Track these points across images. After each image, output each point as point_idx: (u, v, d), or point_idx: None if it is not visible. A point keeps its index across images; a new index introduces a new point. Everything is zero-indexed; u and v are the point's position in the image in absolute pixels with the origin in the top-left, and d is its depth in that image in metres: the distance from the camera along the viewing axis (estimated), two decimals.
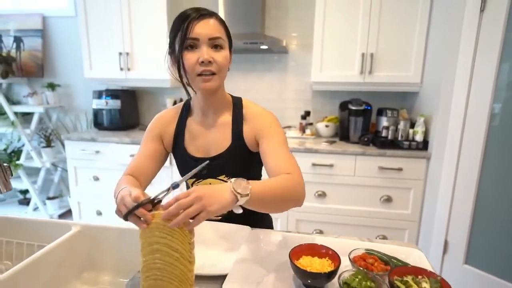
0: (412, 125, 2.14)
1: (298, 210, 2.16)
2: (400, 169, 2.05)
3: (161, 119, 1.01)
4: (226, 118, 0.95)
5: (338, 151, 2.10)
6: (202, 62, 0.81)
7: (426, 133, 2.08)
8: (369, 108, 2.27)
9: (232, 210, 0.94)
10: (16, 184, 2.91)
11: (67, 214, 2.88)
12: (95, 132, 2.59)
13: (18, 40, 2.85)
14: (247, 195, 0.65)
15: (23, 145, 2.98)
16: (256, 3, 2.31)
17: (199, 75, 0.83)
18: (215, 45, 0.83)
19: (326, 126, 2.41)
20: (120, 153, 2.35)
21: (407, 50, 2.15)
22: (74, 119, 3.00)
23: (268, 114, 0.94)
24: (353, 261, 0.72)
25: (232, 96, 0.99)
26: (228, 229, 0.91)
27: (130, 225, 0.72)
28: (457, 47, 1.78)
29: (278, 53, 2.59)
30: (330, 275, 0.66)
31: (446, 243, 1.94)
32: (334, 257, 0.71)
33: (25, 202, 3.09)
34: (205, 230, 0.88)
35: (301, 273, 0.67)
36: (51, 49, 2.90)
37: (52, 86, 2.84)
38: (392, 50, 2.17)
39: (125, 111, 2.65)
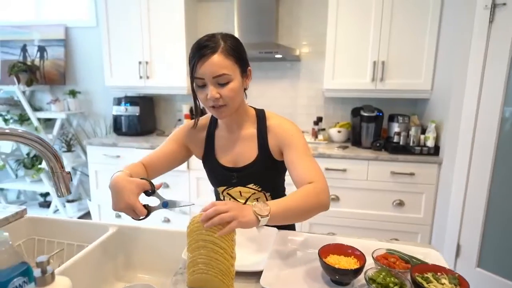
0: (423, 131, 2.20)
1: None
2: (412, 174, 2.11)
3: (191, 128, 1.08)
4: (251, 131, 1.02)
5: (351, 156, 2.17)
6: (209, 99, 0.88)
7: (437, 139, 2.14)
8: (380, 114, 2.33)
9: None
10: (37, 187, 3.03)
11: (86, 216, 2.99)
12: (115, 137, 2.69)
13: (41, 50, 2.98)
14: (267, 216, 0.74)
15: None
16: (270, 14, 2.40)
17: (211, 107, 0.91)
18: (221, 81, 0.87)
19: (339, 131, 2.48)
20: (139, 158, 2.44)
21: (417, 58, 2.22)
22: (94, 125, 3.11)
23: (290, 124, 1.01)
24: (376, 259, 0.79)
25: (255, 109, 1.06)
26: (256, 231, 0.98)
27: (165, 226, 0.82)
28: (467, 56, 1.84)
29: (291, 61, 2.67)
30: (357, 271, 0.73)
31: (458, 247, 1.98)
32: (360, 256, 0.78)
33: (45, 205, 3.21)
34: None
35: (330, 269, 0.74)
36: (73, 58, 3.03)
37: (73, 93, 2.96)
38: (403, 58, 2.23)
39: (143, 117, 2.76)
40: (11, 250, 0.58)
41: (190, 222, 0.72)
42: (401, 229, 2.19)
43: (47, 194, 3.24)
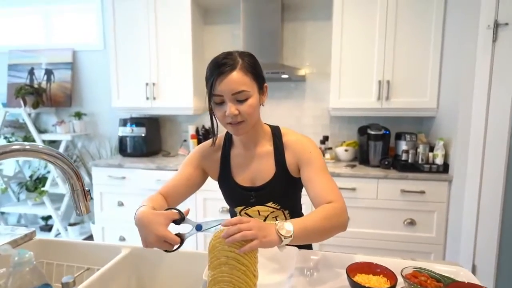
0: (431, 149, 2.19)
1: None
2: (422, 192, 2.08)
3: (205, 151, 1.07)
4: (267, 148, 1.01)
5: (360, 175, 2.15)
6: (228, 116, 0.88)
7: (445, 156, 2.13)
8: (387, 132, 2.34)
9: None
10: (40, 211, 2.98)
11: (88, 240, 2.91)
12: (120, 159, 2.68)
13: (49, 73, 3.03)
14: (290, 236, 0.72)
15: (48, 172, 3.07)
16: (275, 36, 2.46)
17: (228, 123, 0.91)
18: (240, 97, 0.87)
19: (346, 150, 2.48)
20: (145, 179, 2.42)
21: (422, 77, 2.25)
22: (99, 146, 3.10)
23: (307, 140, 1.00)
24: (406, 278, 0.76)
25: (270, 126, 1.05)
26: (276, 250, 0.95)
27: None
28: (473, 73, 1.87)
29: (296, 81, 2.71)
30: None
31: (474, 267, 1.93)
32: (389, 275, 0.75)
33: (47, 228, 3.14)
34: None
35: None
36: (79, 80, 3.07)
37: (78, 115, 2.97)
38: (407, 77, 2.27)
39: (149, 137, 2.76)
40: (35, 271, 0.55)
41: (212, 238, 0.70)
42: (413, 249, 2.14)
43: (48, 217, 3.18)
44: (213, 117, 0.94)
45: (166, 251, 0.79)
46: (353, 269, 0.77)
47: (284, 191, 1.00)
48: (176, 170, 2.38)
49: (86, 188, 0.76)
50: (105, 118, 3.07)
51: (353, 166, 2.31)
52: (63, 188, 2.85)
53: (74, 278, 0.51)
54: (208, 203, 2.34)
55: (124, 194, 2.51)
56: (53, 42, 3.07)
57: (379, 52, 2.28)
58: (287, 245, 0.97)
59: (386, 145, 2.35)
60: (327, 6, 2.54)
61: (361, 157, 2.43)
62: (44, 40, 3.09)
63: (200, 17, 2.73)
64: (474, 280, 0.79)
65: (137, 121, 2.74)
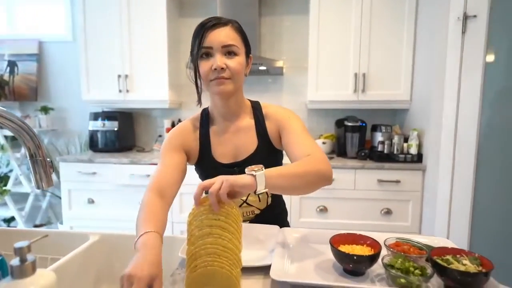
0: (406, 139, 2.24)
1: (302, 226, 2.16)
2: (398, 181, 2.12)
3: (182, 131, 1.00)
4: (248, 121, 0.98)
5: (338, 166, 2.16)
6: (215, 69, 0.84)
7: (419, 146, 2.19)
8: (364, 124, 2.37)
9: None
10: (1, 212, 2.77)
11: None
12: (91, 154, 2.54)
13: (12, 64, 2.84)
14: (261, 169, 0.69)
15: (10, 171, 2.87)
16: (252, 28, 2.44)
17: (213, 79, 0.86)
18: (229, 52, 0.86)
19: (323, 143, 2.49)
20: (118, 174, 2.31)
21: (396, 69, 2.31)
22: (68, 142, 2.94)
23: (286, 109, 1.00)
24: (389, 247, 0.75)
25: (250, 101, 1.03)
26: (258, 229, 0.92)
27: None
28: (444, 65, 1.93)
29: (274, 75, 2.70)
30: (373, 258, 0.68)
31: None
32: (373, 244, 0.73)
33: None
34: None
35: (343, 257, 0.69)
36: (46, 73, 2.90)
37: (45, 110, 2.80)
38: (382, 70, 2.32)
39: (121, 132, 2.64)
40: None
41: (192, 209, 0.65)
42: None
43: (11, 219, 2.96)
44: (197, 78, 0.90)
45: None
46: (336, 241, 0.74)
47: (267, 162, 0.96)
48: (152, 164, 2.32)
49: (48, 160, 0.69)
50: (75, 113, 2.91)
51: (331, 158, 2.32)
52: (27, 187, 2.66)
53: (30, 244, 0.45)
54: (184, 197, 2.27)
55: (95, 190, 2.38)
56: (17, 32, 2.89)
57: (354, 46, 2.32)
58: (267, 224, 0.94)
59: (363, 137, 2.38)
60: (303, 0, 2.56)
61: (339, 149, 2.45)
62: (7, 30, 2.90)
63: (176, 9, 2.67)
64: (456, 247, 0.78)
65: (109, 115, 2.62)
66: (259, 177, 0.68)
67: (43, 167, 0.67)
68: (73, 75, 2.82)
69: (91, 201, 2.39)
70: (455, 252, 0.69)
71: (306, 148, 0.85)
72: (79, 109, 2.87)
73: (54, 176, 2.76)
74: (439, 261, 0.65)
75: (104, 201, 2.38)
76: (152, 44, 2.47)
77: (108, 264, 1.02)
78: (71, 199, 2.43)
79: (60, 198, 2.51)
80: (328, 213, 2.20)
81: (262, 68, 2.36)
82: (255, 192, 0.68)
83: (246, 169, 0.70)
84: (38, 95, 2.88)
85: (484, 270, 0.61)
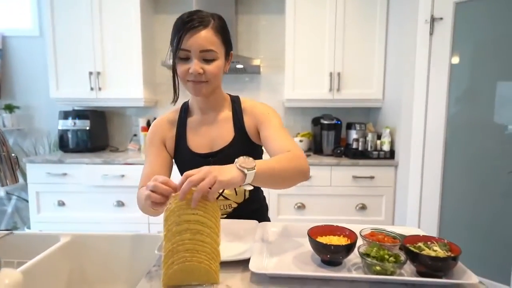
0: (379, 137, 2.32)
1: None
2: (372, 177, 2.19)
3: (160, 126, 1.02)
4: (226, 113, 0.99)
5: (314, 163, 2.19)
6: (191, 73, 0.84)
7: (392, 143, 2.27)
8: (339, 122, 2.43)
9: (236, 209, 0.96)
10: None
11: None
12: (61, 155, 2.43)
13: None
14: (253, 168, 0.67)
15: None
16: (229, 28, 2.42)
17: (190, 81, 0.86)
18: (207, 56, 0.84)
19: (300, 141, 2.52)
20: (90, 175, 2.22)
21: (368, 69, 2.38)
22: (35, 142, 2.79)
23: (265, 104, 1.01)
24: (364, 237, 0.77)
25: (229, 95, 1.03)
26: (237, 225, 0.92)
27: (126, 230, 0.71)
28: (413, 66, 2.02)
29: (251, 74, 2.70)
30: (349, 248, 0.70)
31: None
32: (350, 235, 0.75)
33: None
34: None
35: (320, 247, 0.70)
36: (10, 69, 2.74)
37: (9, 108, 2.65)
38: (356, 70, 2.38)
39: (94, 132, 2.54)
40: None
41: (169, 203, 0.63)
42: None
43: None
44: (175, 75, 0.89)
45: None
46: (314, 232, 0.75)
47: (243, 155, 0.96)
48: (127, 163, 2.25)
49: (13, 155, 0.65)
50: (42, 111, 2.77)
51: (308, 156, 2.36)
52: None
53: None
54: None
55: (66, 192, 2.27)
56: None
57: (329, 45, 2.37)
58: (246, 219, 0.94)
59: (338, 134, 2.44)
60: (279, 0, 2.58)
61: (315, 147, 2.49)
62: None
63: (150, 5, 2.61)
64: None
65: (80, 114, 2.51)
66: (249, 175, 0.66)
67: (7, 163, 0.64)
68: (40, 72, 2.69)
69: (61, 204, 2.28)
70: (426, 239, 0.72)
71: (285, 143, 0.86)
72: (47, 108, 2.74)
73: (20, 179, 2.61)
74: (411, 248, 0.67)
75: (75, 203, 2.28)
76: (126, 41, 2.40)
77: (80, 266, 0.98)
78: (40, 202, 2.31)
79: (27, 201, 2.38)
80: (305, 210, 2.23)
81: (240, 66, 2.35)
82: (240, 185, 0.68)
83: (236, 161, 0.68)
84: (2, 92, 2.71)
85: (452, 255, 0.65)
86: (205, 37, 0.83)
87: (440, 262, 0.63)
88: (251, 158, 0.70)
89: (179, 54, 0.84)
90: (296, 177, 0.79)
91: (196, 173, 0.62)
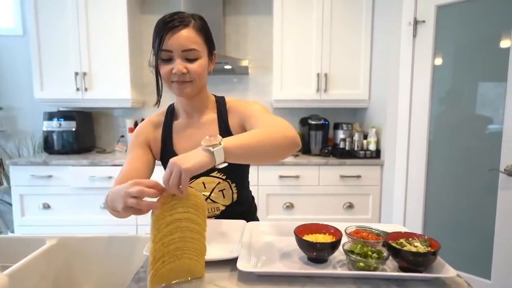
0: (365, 136, 2.36)
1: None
2: (359, 177, 2.23)
3: (146, 127, 1.01)
4: (211, 116, 0.98)
5: (302, 163, 2.22)
6: (175, 73, 0.84)
7: (378, 143, 2.32)
8: (326, 123, 2.47)
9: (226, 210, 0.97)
10: None
11: None
12: (46, 156, 2.39)
13: None
14: (219, 143, 0.64)
15: None
16: (217, 27, 2.44)
17: (174, 81, 0.86)
18: (189, 55, 0.84)
19: None
20: (76, 177, 2.19)
21: (355, 70, 2.43)
22: (18, 144, 2.73)
23: (249, 100, 1.00)
24: (349, 234, 0.79)
25: (215, 96, 1.03)
26: (225, 224, 0.93)
27: (114, 233, 0.70)
28: (397, 67, 2.06)
29: (239, 74, 2.71)
30: (334, 245, 0.72)
31: None
32: (335, 233, 0.77)
33: None
34: None
35: (307, 245, 0.72)
36: None
37: None
38: (342, 71, 2.42)
39: (80, 133, 2.51)
40: None
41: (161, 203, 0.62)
42: None
43: None
44: (159, 76, 0.89)
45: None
46: (300, 231, 0.77)
47: None
48: (114, 165, 2.23)
49: None
50: (26, 112, 2.71)
51: (296, 156, 2.38)
52: None
53: None
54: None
55: (51, 195, 2.23)
56: None
57: (316, 46, 2.40)
58: (234, 219, 0.95)
59: (326, 134, 2.47)
60: (267, 0, 2.60)
61: (304, 147, 2.52)
62: None
63: (137, 5, 2.59)
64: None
65: (66, 115, 2.47)
66: (217, 152, 0.63)
67: None
68: (24, 72, 2.64)
69: (46, 206, 2.24)
70: (408, 236, 0.74)
71: (268, 120, 0.81)
72: (31, 109, 2.68)
73: (4, 182, 2.55)
74: (393, 244, 0.70)
75: (61, 206, 2.24)
76: (113, 41, 2.38)
77: (68, 269, 0.97)
78: (24, 205, 2.26)
79: (10, 204, 2.33)
80: (294, 209, 2.26)
81: (228, 67, 2.36)
82: (214, 167, 0.65)
83: (202, 142, 0.65)
84: None
85: (432, 250, 0.67)
86: (187, 36, 0.83)
87: (420, 257, 0.66)
88: (218, 135, 0.66)
89: (161, 55, 0.84)
90: (280, 145, 0.72)
91: (166, 172, 0.62)
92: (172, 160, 0.62)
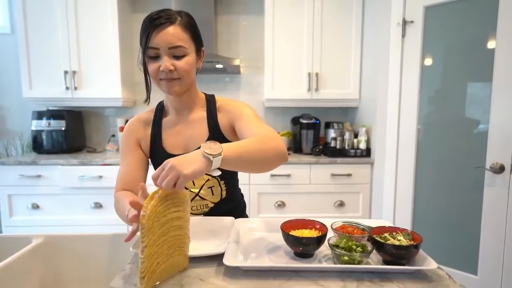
0: (356, 135, 2.39)
1: None
2: (349, 175, 2.25)
3: (135, 125, 1.01)
4: (201, 113, 0.99)
5: (294, 161, 2.24)
6: (163, 71, 0.84)
7: (368, 141, 2.34)
8: (317, 122, 2.48)
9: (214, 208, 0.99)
10: None
11: None
12: (34, 156, 2.36)
13: None
14: (219, 154, 0.64)
15: None
16: (208, 26, 2.44)
17: (162, 79, 0.86)
18: (177, 52, 0.84)
19: None
20: (66, 176, 2.17)
21: (345, 70, 2.45)
22: (7, 144, 2.69)
23: (240, 101, 1.00)
24: (335, 230, 0.80)
25: (205, 94, 1.03)
26: (213, 221, 0.93)
27: (100, 230, 0.72)
28: (387, 67, 2.09)
29: (231, 74, 2.72)
30: (320, 240, 0.73)
31: None
32: (321, 228, 0.78)
33: None
34: (192, 225, 0.89)
35: (293, 239, 0.72)
36: None
37: None
38: (333, 70, 2.45)
39: (70, 132, 2.48)
40: None
41: (145, 207, 0.58)
42: None
43: None
44: (147, 74, 0.89)
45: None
46: (287, 227, 0.78)
47: None
48: (105, 164, 2.21)
49: None
50: (14, 111, 2.68)
51: (287, 155, 2.39)
52: None
53: None
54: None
55: (40, 195, 2.21)
56: None
57: (307, 46, 2.42)
58: (227, 216, 0.96)
59: (317, 133, 2.49)
60: (259, 0, 2.61)
61: (295, 146, 2.54)
62: None
63: (128, 4, 2.58)
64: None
65: (55, 114, 2.44)
66: (216, 161, 0.64)
67: None
68: (12, 71, 2.60)
69: (35, 206, 2.21)
70: (391, 230, 0.76)
71: (259, 129, 0.83)
72: (20, 108, 2.65)
73: None
74: (377, 238, 0.71)
75: (50, 206, 2.22)
76: (103, 39, 2.36)
77: (54, 267, 0.97)
78: (12, 205, 2.23)
79: None
80: (285, 208, 2.27)
81: (219, 66, 2.36)
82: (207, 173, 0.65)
83: (202, 147, 0.64)
84: None
85: (414, 243, 0.69)
86: (173, 33, 0.83)
87: (403, 251, 0.67)
88: (217, 143, 0.67)
89: (149, 52, 0.84)
90: (272, 158, 0.75)
91: (160, 172, 0.61)
92: (170, 163, 0.60)
